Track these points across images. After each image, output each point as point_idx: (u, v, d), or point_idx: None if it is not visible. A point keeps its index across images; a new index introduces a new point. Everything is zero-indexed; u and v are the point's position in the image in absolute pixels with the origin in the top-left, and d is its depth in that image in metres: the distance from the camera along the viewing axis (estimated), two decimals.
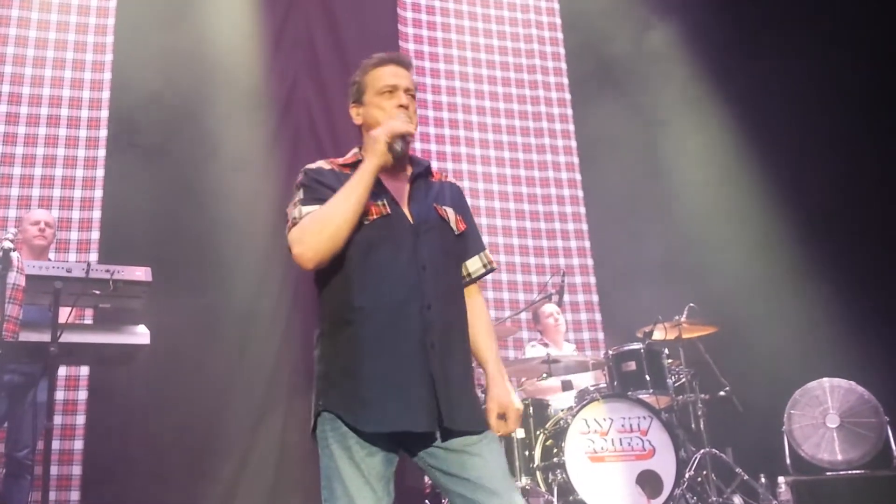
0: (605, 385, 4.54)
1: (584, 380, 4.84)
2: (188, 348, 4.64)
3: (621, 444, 4.11)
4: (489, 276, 2.93)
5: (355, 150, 2.14)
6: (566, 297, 5.15)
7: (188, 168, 5.08)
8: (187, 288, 4.72)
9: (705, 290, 5.07)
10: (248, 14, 5.48)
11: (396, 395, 1.87)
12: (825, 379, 4.75)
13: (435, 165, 2.31)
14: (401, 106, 2.05)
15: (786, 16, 5.92)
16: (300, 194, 2.00)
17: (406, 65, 2.14)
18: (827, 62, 5.72)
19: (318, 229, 1.93)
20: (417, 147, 5.45)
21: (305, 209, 1.96)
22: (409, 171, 2.12)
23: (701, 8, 6.14)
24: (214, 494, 4.68)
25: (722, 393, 4.65)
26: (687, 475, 4.21)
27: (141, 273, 3.37)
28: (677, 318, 4.64)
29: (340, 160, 2.13)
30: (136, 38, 5.24)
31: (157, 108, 5.09)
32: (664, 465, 4.07)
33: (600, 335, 5.84)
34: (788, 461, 4.68)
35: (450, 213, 2.10)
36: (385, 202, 2.00)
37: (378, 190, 2.01)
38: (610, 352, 4.60)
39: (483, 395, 2.24)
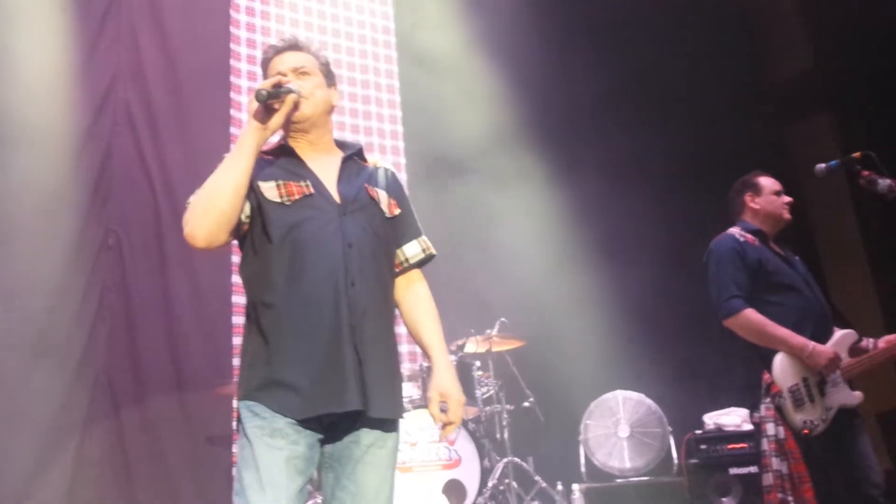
0: (418, 397, 4.62)
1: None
2: None
3: (429, 455, 4.20)
4: None
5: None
6: None
7: None
8: None
9: (516, 307, 5.29)
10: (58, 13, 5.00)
11: (319, 376, 1.81)
12: (618, 391, 5.10)
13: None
14: None
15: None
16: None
17: (294, 47, 2.10)
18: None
19: (203, 206, 1.85)
20: None
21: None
22: (342, 155, 2.09)
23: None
24: None
25: (526, 404, 4.87)
26: (490, 483, 4.36)
27: None
28: (489, 331, 4.81)
29: (265, 148, 2.05)
30: None
31: None
32: (469, 474, 4.20)
33: (417, 348, 5.91)
34: (584, 469, 4.96)
35: (381, 194, 2.06)
36: (308, 183, 1.97)
37: (302, 171, 2.00)
38: (423, 364, 4.68)
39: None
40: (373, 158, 2.20)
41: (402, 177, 6.22)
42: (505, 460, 4.54)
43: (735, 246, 3.21)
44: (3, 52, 4.59)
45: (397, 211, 2.09)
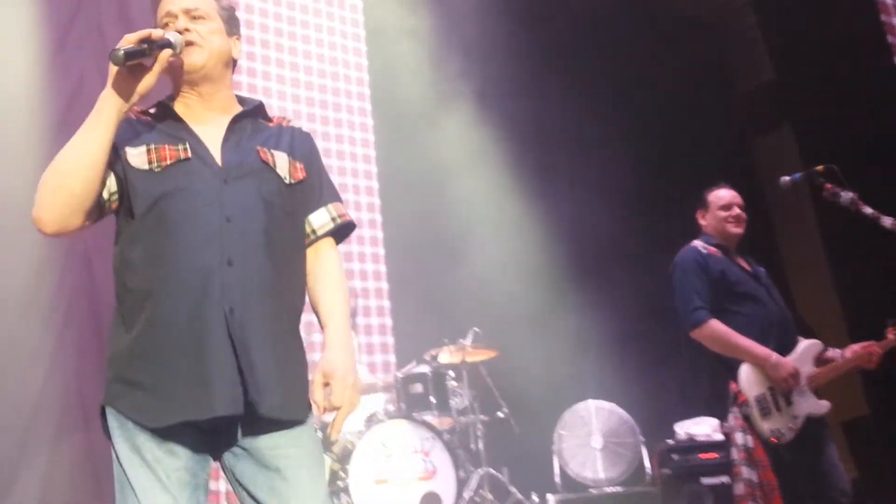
0: (393, 408, 4.63)
1: (374, 401, 4.90)
2: None
3: (405, 466, 4.20)
4: None
5: None
6: (360, 320, 5.21)
7: None
8: None
9: (489, 316, 5.33)
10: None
11: (187, 376, 1.53)
12: (591, 401, 5.15)
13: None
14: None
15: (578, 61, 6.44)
16: None
17: None
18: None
19: (53, 185, 1.58)
20: None
21: None
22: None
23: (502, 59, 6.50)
24: None
25: (500, 414, 4.90)
26: (466, 495, 4.38)
27: None
28: (462, 341, 4.84)
29: (141, 108, 1.78)
30: None
31: None
32: (445, 485, 4.21)
33: (392, 358, 5.94)
34: (558, 479, 4.99)
35: (280, 157, 1.76)
36: (187, 146, 1.68)
37: (180, 132, 1.71)
38: (398, 374, 4.70)
39: None
40: (281, 117, 1.92)
41: (373, 185, 6.30)
42: (480, 471, 4.56)
43: (698, 258, 3.29)
44: None
45: (301, 175, 1.79)
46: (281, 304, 1.66)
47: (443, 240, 6.16)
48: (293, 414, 1.62)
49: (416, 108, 6.34)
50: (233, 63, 1.85)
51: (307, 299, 1.81)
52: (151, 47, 1.59)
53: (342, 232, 1.87)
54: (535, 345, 5.74)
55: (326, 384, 1.63)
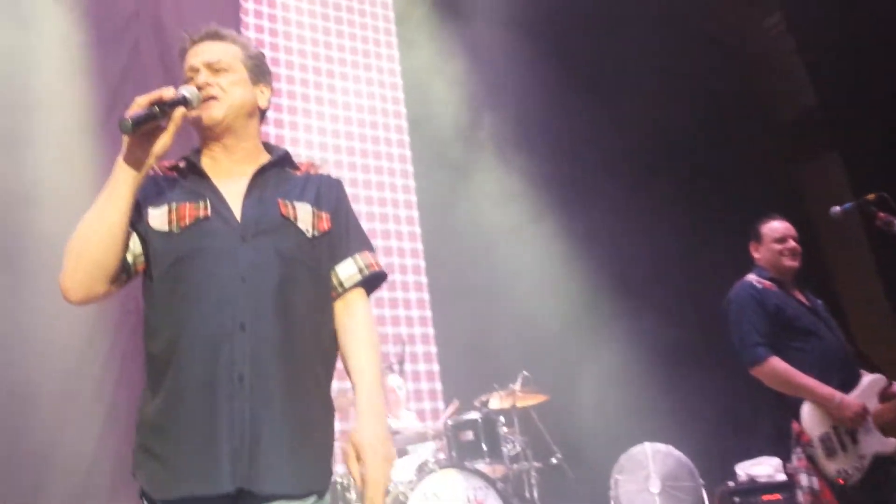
0: (444, 456, 4.58)
1: (424, 450, 4.85)
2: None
3: None
4: None
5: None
6: (407, 366, 5.20)
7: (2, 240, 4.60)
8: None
9: (537, 359, 5.27)
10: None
11: (197, 449, 1.48)
12: (647, 443, 5.03)
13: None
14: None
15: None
16: None
17: (212, 36, 1.78)
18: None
19: (75, 253, 1.56)
20: None
21: None
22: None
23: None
24: None
25: (553, 460, 4.81)
26: None
27: None
28: (512, 386, 4.78)
29: (169, 162, 1.77)
30: None
31: None
32: None
33: (440, 404, 5.90)
34: None
35: (302, 209, 1.69)
36: (207, 203, 1.64)
37: (202, 189, 1.67)
38: (448, 421, 4.66)
39: None
40: (309, 164, 1.84)
41: (416, 231, 6.35)
42: None
43: (753, 293, 3.21)
44: (27, 103, 4.67)
45: (327, 227, 1.71)
46: (298, 366, 1.58)
47: (486, 283, 6.15)
48: (305, 486, 1.54)
49: (455, 152, 6.41)
50: (259, 112, 1.81)
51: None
52: (163, 108, 1.56)
53: (372, 282, 1.77)
54: (586, 387, 5.66)
55: (358, 456, 1.56)
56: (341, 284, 1.72)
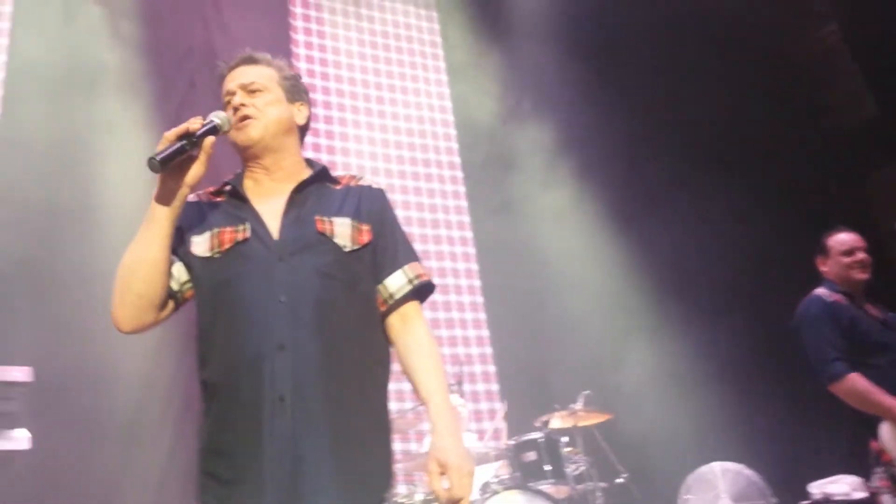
0: (507, 476, 4.54)
1: (487, 470, 4.82)
2: (72, 453, 4.33)
3: None
4: None
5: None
6: (466, 387, 5.18)
7: (69, 263, 4.78)
8: (70, 388, 4.44)
9: (598, 377, 5.20)
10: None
11: (246, 473, 1.50)
12: (716, 463, 4.90)
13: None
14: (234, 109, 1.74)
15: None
16: None
17: (247, 61, 1.82)
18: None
19: (120, 287, 1.61)
20: None
21: None
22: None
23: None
24: None
25: (619, 480, 4.72)
26: None
27: (19, 373, 3.19)
28: (573, 405, 4.72)
29: (213, 188, 1.80)
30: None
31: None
32: None
33: (501, 424, 5.85)
34: None
35: (340, 224, 1.68)
36: (246, 226, 1.66)
37: (243, 212, 1.69)
38: (510, 442, 4.62)
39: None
40: (350, 176, 1.83)
41: (470, 251, 6.35)
42: None
43: (825, 307, 3.14)
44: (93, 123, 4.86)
45: (366, 239, 1.69)
46: (342, 384, 1.56)
47: (544, 300, 6.10)
48: (347, 501, 1.51)
49: (504, 167, 6.42)
50: (298, 129, 1.83)
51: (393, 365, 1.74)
52: (191, 139, 1.59)
53: (423, 293, 1.76)
54: (651, 404, 5.57)
55: (442, 473, 1.53)
56: (391, 297, 1.70)
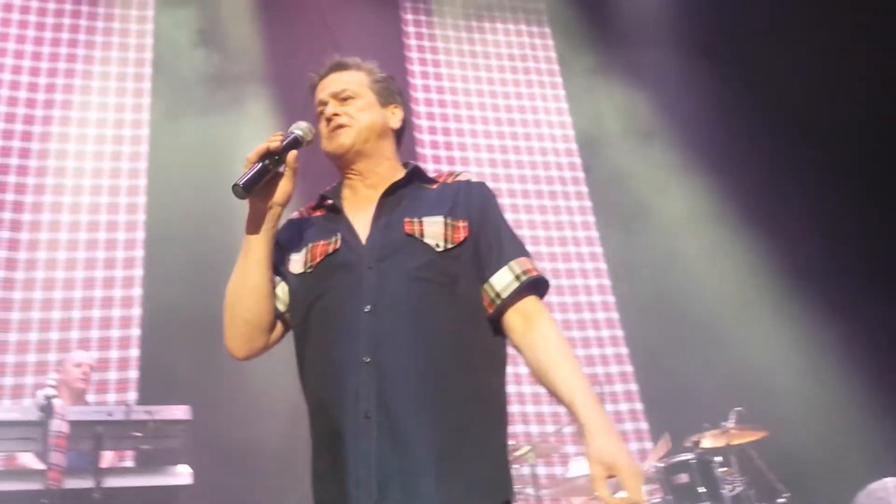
0: (659, 500, 4.36)
1: None
2: (230, 486, 4.54)
3: None
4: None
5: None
6: (608, 407, 5.04)
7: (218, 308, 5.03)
8: (227, 423, 4.68)
9: (750, 393, 4.94)
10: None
11: (335, 493, 1.46)
12: (889, 479, 4.52)
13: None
14: (327, 120, 1.70)
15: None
16: None
17: (337, 67, 1.77)
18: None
19: (227, 316, 1.62)
20: None
21: None
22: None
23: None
24: None
25: (781, 500, 4.44)
26: None
27: (180, 412, 3.37)
28: (724, 423, 4.49)
29: (314, 202, 1.77)
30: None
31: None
32: None
33: (647, 444, 5.66)
34: None
35: (431, 224, 1.58)
36: (338, 237, 1.60)
37: (336, 223, 1.64)
38: (660, 464, 4.44)
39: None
40: (448, 173, 1.75)
41: (602, 267, 6.21)
42: None
43: None
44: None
45: (462, 236, 1.57)
46: (437, 394, 1.45)
47: (684, 311, 5.89)
48: (471, 499, 1.42)
49: (628, 178, 6.28)
50: (393, 133, 1.76)
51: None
52: (272, 158, 1.56)
53: (536, 288, 1.60)
54: (811, 418, 5.24)
55: (611, 476, 1.37)
56: (498, 296, 1.56)
